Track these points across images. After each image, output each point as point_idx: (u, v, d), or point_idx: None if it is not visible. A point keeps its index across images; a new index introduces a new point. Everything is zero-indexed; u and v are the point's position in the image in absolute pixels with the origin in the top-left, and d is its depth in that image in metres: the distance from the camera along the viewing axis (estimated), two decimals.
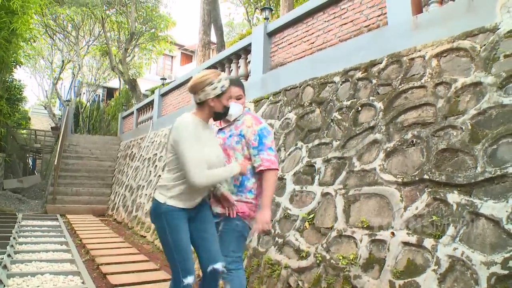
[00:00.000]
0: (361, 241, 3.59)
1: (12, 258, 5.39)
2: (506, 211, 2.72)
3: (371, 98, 4.49)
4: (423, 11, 4.47)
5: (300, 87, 5.83)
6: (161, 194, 2.73)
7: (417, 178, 3.45)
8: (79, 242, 7.32)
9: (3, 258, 5.17)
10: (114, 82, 28.09)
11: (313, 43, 5.99)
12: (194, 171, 2.53)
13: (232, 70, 8.18)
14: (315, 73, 5.62)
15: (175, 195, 2.68)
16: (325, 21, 5.80)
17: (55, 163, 12.97)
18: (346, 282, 3.46)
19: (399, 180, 3.59)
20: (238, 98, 3.06)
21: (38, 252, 5.97)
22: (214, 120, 2.99)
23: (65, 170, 13.86)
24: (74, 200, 12.46)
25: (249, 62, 7.59)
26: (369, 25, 5.08)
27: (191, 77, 10.18)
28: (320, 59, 5.65)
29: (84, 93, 27.34)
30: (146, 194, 9.57)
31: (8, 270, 4.83)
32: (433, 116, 3.67)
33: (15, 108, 16.46)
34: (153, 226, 7.91)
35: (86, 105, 26.01)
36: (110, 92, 31.14)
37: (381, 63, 4.62)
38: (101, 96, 30.52)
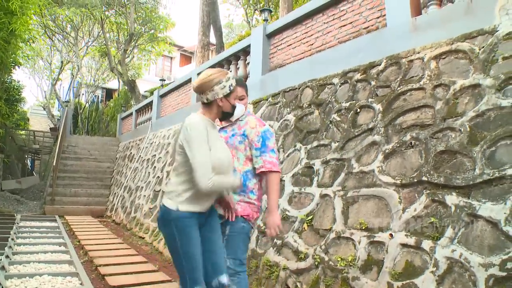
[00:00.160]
0: (359, 242, 3.59)
1: (10, 259, 5.37)
2: (504, 213, 2.72)
3: (370, 99, 4.50)
4: (422, 13, 4.48)
5: (299, 88, 5.84)
6: (170, 199, 2.60)
7: (415, 180, 3.45)
8: (78, 243, 7.30)
9: (1, 260, 5.15)
10: (113, 83, 28.06)
11: (312, 44, 6.00)
12: (203, 175, 2.44)
13: (231, 71, 8.19)
14: (314, 74, 5.63)
15: (187, 199, 2.56)
16: (324, 23, 5.81)
17: (54, 164, 12.94)
18: (345, 283, 3.46)
19: (398, 181, 3.60)
20: (241, 99, 3.04)
21: (37, 253, 5.95)
22: (221, 120, 2.94)
23: (64, 171, 13.84)
24: (72, 201, 12.43)
25: (248, 63, 7.59)
26: (368, 27, 5.09)
27: (190, 78, 10.20)
28: (319, 60, 5.65)
29: (83, 94, 27.32)
30: (144, 195, 9.56)
31: (6, 271, 4.82)
32: (432, 118, 3.67)
33: (14, 108, 16.42)
34: (151, 227, 7.91)
35: (85, 106, 25.99)
36: (109, 93, 31.13)
37: (380, 65, 4.63)
38: (100, 97, 30.51)
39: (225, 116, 2.80)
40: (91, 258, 6.01)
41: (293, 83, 6.00)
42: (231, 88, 2.67)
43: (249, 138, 2.97)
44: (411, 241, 3.18)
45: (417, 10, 4.52)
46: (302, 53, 6.17)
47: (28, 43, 14.56)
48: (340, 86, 5.09)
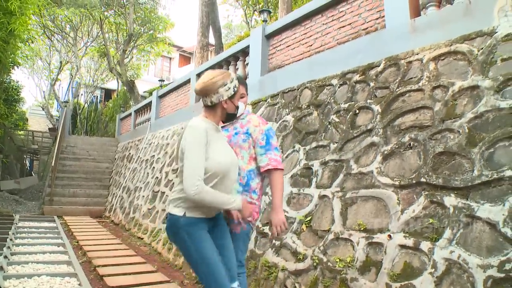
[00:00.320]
0: (358, 243, 3.59)
1: (8, 260, 5.36)
2: (503, 215, 2.72)
3: (368, 101, 4.50)
4: (421, 14, 4.48)
5: (298, 89, 5.84)
6: (177, 207, 2.51)
7: (414, 181, 3.46)
8: (76, 243, 7.30)
9: None
10: (112, 84, 28.06)
11: (311, 45, 6.00)
12: (189, 183, 2.35)
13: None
14: (313, 75, 5.63)
15: (193, 205, 2.47)
16: (323, 24, 5.82)
17: (53, 164, 12.93)
18: (343, 284, 3.46)
19: (396, 183, 3.60)
20: (241, 97, 3.00)
21: (35, 253, 5.95)
22: (224, 122, 2.86)
23: (63, 171, 13.83)
24: (71, 202, 12.42)
25: (247, 64, 7.60)
26: (367, 28, 5.10)
27: (189, 79, 10.20)
28: (318, 61, 5.66)
29: (82, 94, 27.30)
30: (143, 196, 9.55)
31: (4, 272, 4.82)
32: (431, 119, 3.68)
33: (13, 109, 16.41)
34: (150, 227, 7.91)
35: (84, 107, 25.97)
36: (108, 93, 31.11)
37: (379, 66, 4.63)
38: (99, 97, 30.48)
39: (229, 117, 2.74)
40: (89, 259, 6.01)
41: (292, 84, 6.00)
42: (235, 89, 2.61)
43: (253, 137, 2.96)
44: (410, 242, 3.18)
45: (416, 11, 4.52)
46: (301, 54, 6.18)
47: (27, 43, 14.56)
48: (339, 87, 5.09)
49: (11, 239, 6.74)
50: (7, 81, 14.64)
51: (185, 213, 2.48)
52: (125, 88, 19.83)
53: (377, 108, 4.32)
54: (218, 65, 8.62)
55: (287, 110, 5.81)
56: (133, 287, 4.73)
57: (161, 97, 12.45)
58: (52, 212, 11.50)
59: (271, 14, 15.46)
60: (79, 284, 4.68)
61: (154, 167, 10.01)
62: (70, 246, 6.78)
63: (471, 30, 3.76)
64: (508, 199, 2.76)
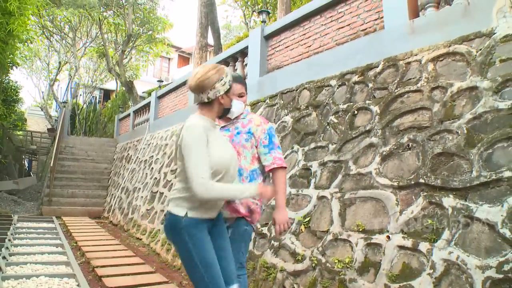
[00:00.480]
0: (356, 244, 3.59)
1: (7, 261, 5.36)
2: (501, 215, 2.72)
3: (367, 101, 4.50)
4: (420, 15, 4.49)
5: (296, 90, 5.84)
6: (178, 206, 2.43)
7: (412, 182, 3.46)
8: (75, 244, 7.29)
9: None
10: (111, 84, 28.07)
11: (310, 46, 6.00)
12: (198, 184, 2.27)
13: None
14: (311, 76, 5.63)
15: (196, 205, 2.41)
16: (322, 25, 5.82)
17: (51, 164, 12.92)
18: (342, 285, 3.46)
19: (395, 184, 3.60)
20: (241, 96, 2.96)
21: (33, 254, 5.94)
22: (219, 118, 2.80)
23: (61, 172, 13.82)
24: (70, 202, 12.41)
25: (246, 65, 7.60)
26: (366, 29, 5.10)
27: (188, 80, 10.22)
28: (316, 62, 5.66)
29: (80, 95, 27.31)
30: (142, 197, 9.55)
31: (3, 273, 4.81)
32: (429, 120, 3.68)
33: (11, 109, 16.39)
34: (149, 228, 7.90)
35: (82, 107, 25.96)
36: (106, 94, 31.10)
37: (378, 67, 4.64)
38: (97, 98, 30.48)
39: (225, 112, 2.70)
40: (88, 260, 6.00)
41: (290, 85, 6.01)
42: (230, 83, 2.55)
43: (256, 136, 2.93)
44: (408, 243, 3.18)
45: (415, 12, 4.53)
46: (300, 54, 6.18)
47: (26, 43, 14.56)
48: (337, 88, 5.10)
49: (9, 240, 6.73)
50: (5, 81, 14.62)
51: (186, 213, 2.40)
52: (124, 88, 19.82)
53: (375, 109, 4.32)
54: None
55: (285, 111, 5.81)
56: None
57: (160, 97, 12.45)
58: (50, 213, 11.49)
59: (270, 15, 15.47)
60: (78, 285, 4.67)
61: (152, 168, 10.01)
62: (69, 246, 6.77)
63: (470, 31, 3.76)
64: (506, 200, 2.76)
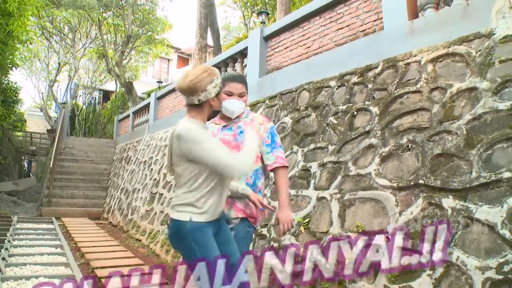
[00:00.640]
0: (356, 245, 3.59)
1: (6, 262, 5.35)
2: (501, 216, 2.72)
3: (366, 102, 4.50)
4: (419, 16, 4.49)
5: (296, 91, 5.84)
6: (180, 212, 2.38)
7: (412, 183, 3.45)
8: (74, 245, 7.28)
9: None
10: (111, 85, 28.04)
11: (309, 47, 6.00)
12: (234, 164, 2.29)
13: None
14: (311, 77, 5.63)
15: (199, 208, 2.37)
16: (321, 26, 5.82)
17: (51, 165, 12.92)
18: (341, 286, 3.46)
19: (394, 184, 3.60)
20: (241, 96, 2.90)
21: (33, 255, 5.94)
22: (208, 120, 2.75)
23: (61, 173, 13.81)
24: (69, 203, 12.40)
25: (245, 65, 7.60)
26: (365, 29, 5.10)
27: None
28: (316, 63, 5.66)
29: (80, 96, 27.28)
30: (141, 198, 9.54)
31: (2, 274, 4.81)
32: (429, 121, 3.68)
33: (11, 110, 16.36)
34: (148, 229, 7.90)
35: (82, 108, 25.95)
36: (106, 94, 31.07)
37: (377, 67, 4.64)
38: (97, 98, 30.43)
39: (214, 114, 2.68)
40: (87, 261, 5.99)
41: (290, 86, 6.01)
42: (221, 85, 2.52)
43: (259, 135, 2.92)
44: (408, 244, 3.18)
45: (414, 13, 4.53)
46: (299, 55, 6.18)
47: (25, 44, 14.52)
48: (337, 89, 5.10)
49: (9, 241, 6.73)
50: (5, 82, 14.60)
51: (191, 218, 2.35)
52: (123, 89, 19.82)
53: (375, 109, 4.32)
54: (216, 67, 8.60)
55: (285, 111, 5.81)
56: None
57: (159, 98, 12.45)
58: (50, 214, 11.48)
59: (269, 15, 15.47)
60: (77, 286, 4.67)
61: (152, 169, 10.00)
62: (68, 247, 6.77)
63: (469, 31, 3.76)
64: (506, 200, 2.76)
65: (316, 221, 4.18)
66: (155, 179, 9.21)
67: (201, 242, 2.35)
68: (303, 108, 5.45)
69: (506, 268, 2.53)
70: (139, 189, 10.14)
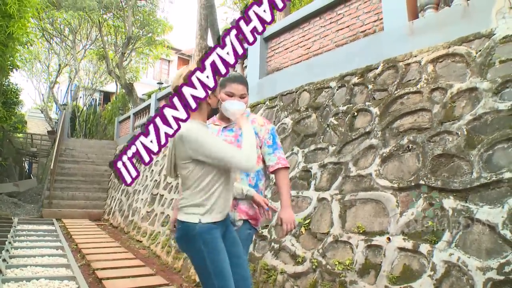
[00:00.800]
0: (357, 246, 3.59)
1: (7, 263, 5.35)
2: (502, 217, 2.72)
3: (367, 103, 4.50)
4: (419, 16, 4.49)
5: (296, 92, 5.84)
6: (188, 214, 2.35)
7: (413, 184, 3.45)
8: (75, 246, 7.28)
9: None
10: (111, 86, 28.05)
11: (309, 48, 6.01)
12: (241, 160, 2.26)
13: None
14: (311, 78, 5.64)
15: (208, 209, 2.34)
16: (321, 27, 5.82)
17: (51, 167, 12.93)
18: (342, 287, 3.46)
19: (395, 185, 3.60)
20: (242, 97, 2.86)
21: (34, 256, 5.94)
22: (207, 118, 2.71)
23: (61, 174, 13.82)
24: (70, 205, 12.40)
25: (245, 67, 7.60)
26: (365, 30, 5.10)
27: None
28: (316, 64, 5.66)
29: (80, 97, 27.26)
30: (142, 199, 9.54)
31: (3, 275, 4.80)
32: (429, 122, 3.68)
33: (12, 111, 16.40)
34: (149, 230, 7.89)
35: (82, 109, 25.93)
36: (106, 96, 31.08)
37: (377, 68, 4.64)
38: (97, 100, 30.44)
39: (213, 112, 2.66)
40: (88, 262, 5.99)
41: (290, 87, 6.01)
42: (221, 84, 2.50)
43: (260, 136, 2.89)
44: (409, 244, 3.18)
45: (414, 13, 4.53)
46: (300, 56, 6.18)
47: (26, 46, 14.54)
48: (337, 89, 5.10)
49: (10, 242, 6.73)
50: (6, 84, 14.62)
51: (200, 220, 2.32)
52: (124, 91, 19.84)
53: (375, 110, 4.32)
54: None
55: (285, 112, 5.81)
56: None
57: (160, 99, 12.45)
58: (51, 215, 11.48)
59: None
60: (78, 287, 4.67)
61: (153, 170, 10.00)
62: (69, 249, 6.76)
63: (469, 32, 3.77)
64: (507, 201, 2.76)
65: (317, 222, 4.18)
66: (156, 180, 9.21)
67: (210, 244, 2.32)
68: (304, 109, 5.45)
69: (507, 269, 2.53)
70: (139, 191, 10.13)
